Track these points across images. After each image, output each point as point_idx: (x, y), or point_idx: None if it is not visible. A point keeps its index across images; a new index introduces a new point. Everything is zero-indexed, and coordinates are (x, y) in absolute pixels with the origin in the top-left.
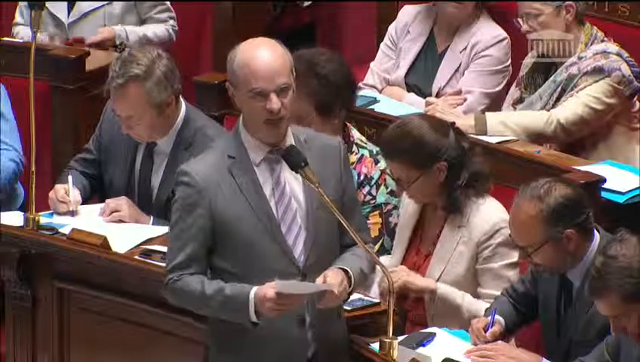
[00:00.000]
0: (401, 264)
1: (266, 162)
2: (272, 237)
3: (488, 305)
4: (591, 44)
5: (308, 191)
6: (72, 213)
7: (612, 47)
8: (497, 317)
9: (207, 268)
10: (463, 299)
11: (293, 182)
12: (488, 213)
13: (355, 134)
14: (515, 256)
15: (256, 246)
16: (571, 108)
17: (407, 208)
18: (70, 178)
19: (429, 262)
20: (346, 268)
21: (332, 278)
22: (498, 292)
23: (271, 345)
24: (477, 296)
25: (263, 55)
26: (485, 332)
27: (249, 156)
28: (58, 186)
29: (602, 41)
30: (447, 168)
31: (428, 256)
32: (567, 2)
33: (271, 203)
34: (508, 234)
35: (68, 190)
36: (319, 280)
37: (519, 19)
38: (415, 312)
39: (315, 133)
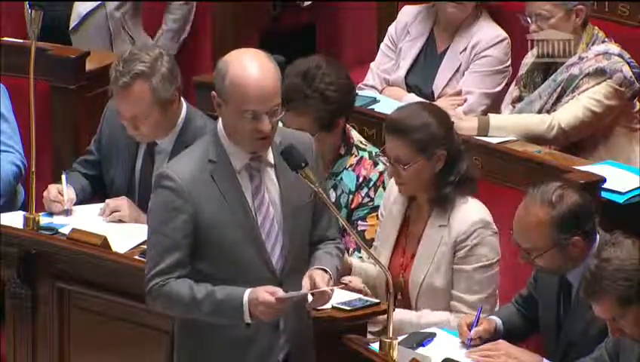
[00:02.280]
0: (388, 265)
1: (246, 169)
2: (252, 244)
3: (449, 315)
4: (592, 44)
5: (285, 197)
6: (67, 212)
7: (614, 47)
8: (492, 317)
9: (191, 271)
10: (417, 321)
11: (271, 188)
12: (468, 213)
13: (355, 136)
14: (490, 258)
15: (236, 253)
16: (572, 111)
17: (392, 209)
18: (64, 177)
19: (413, 263)
20: (325, 268)
21: (321, 281)
22: (469, 296)
23: (242, 350)
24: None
25: (255, 75)
26: (470, 330)
27: (230, 162)
28: (51, 186)
29: (603, 41)
30: (445, 158)
31: (414, 255)
32: (578, 7)
33: (252, 210)
34: (486, 236)
35: (61, 189)
36: (306, 282)
37: (527, 18)
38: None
39: (287, 132)
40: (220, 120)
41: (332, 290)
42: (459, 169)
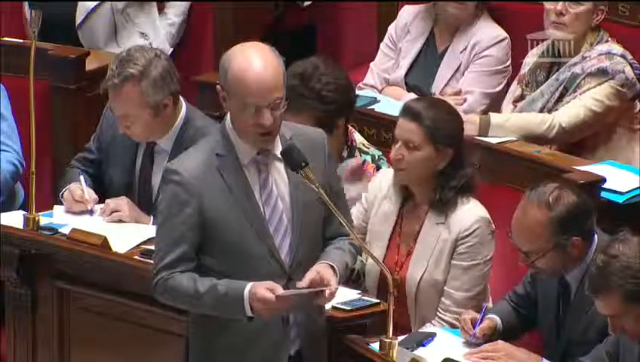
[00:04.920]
0: (382, 262)
1: (254, 163)
2: (259, 237)
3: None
4: (596, 44)
5: (294, 192)
6: (91, 212)
7: (616, 48)
8: (492, 315)
9: (197, 265)
10: None
11: (279, 183)
12: (469, 211)
13: (358, 138)
14: (485, 256)
15: (243, 247)
16: (573, 111)
17: (383, 205)
18: (82, 178)
19: (410, 260)
20: (332, 263)
21: (325, 274)
22: (459, 293)
23: (253, 344)
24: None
25: (257, 68)
26: (474, 326)
27: (238, 156)
28: (74, 187)
29: (606, 41)
30: (450, 159)
31: (409, 253)
32: (601, 7)
33: (259, 203)
34: (486, 234)
35: (83, 190)
36: (312, 276)
37: None
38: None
39: (300, 128)
40: (228, 114)
41: (335, 288)
42: (463, 174)
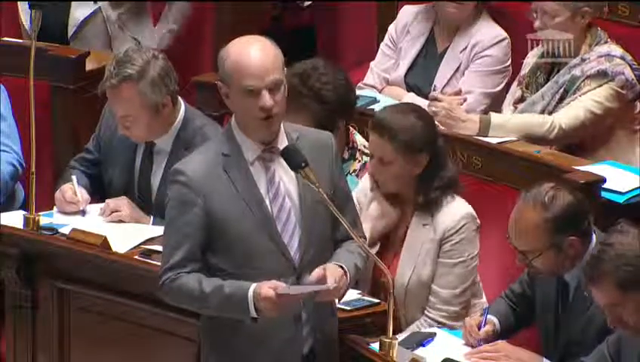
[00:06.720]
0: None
1: (260, 161)
2: (267, 235)
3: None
4: (595, 45)
5: (302, 189)
6: (83, 213)
7: (616, 49)
8: (491, 316)
9: (204, 265)
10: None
11: (287, 180)
12: (454, 210)
13: (359, 140)
14: (471, 253)
15: (251, 245)
16: (573, 113)
17: (371, 208)
18: (74, 178)
19: (398, 264)
20: (342, 265)
21: (331, 273)
22: (444, 291)
23: (266, 342)
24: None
25: (253, 52)
26: (479, 330)
27: (243, 154)
28: (65, 187)
29: (606, 42)
30: (427, 163)
31: (395, 255)
32: (584, 9)
33: (266, 201)
34: (471, 230)
35: (75, 190)
36: (318, 271)
37: (533, 13)
38: None
39: (307, 129)
40: (233, 115)
41: (340, 287)
42: (443, 174)
